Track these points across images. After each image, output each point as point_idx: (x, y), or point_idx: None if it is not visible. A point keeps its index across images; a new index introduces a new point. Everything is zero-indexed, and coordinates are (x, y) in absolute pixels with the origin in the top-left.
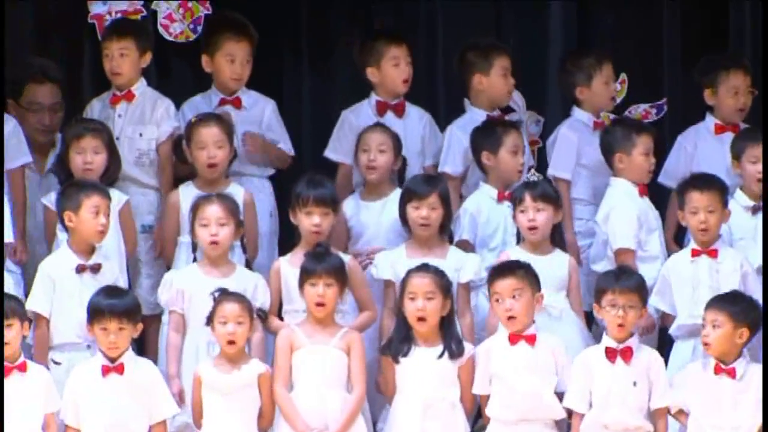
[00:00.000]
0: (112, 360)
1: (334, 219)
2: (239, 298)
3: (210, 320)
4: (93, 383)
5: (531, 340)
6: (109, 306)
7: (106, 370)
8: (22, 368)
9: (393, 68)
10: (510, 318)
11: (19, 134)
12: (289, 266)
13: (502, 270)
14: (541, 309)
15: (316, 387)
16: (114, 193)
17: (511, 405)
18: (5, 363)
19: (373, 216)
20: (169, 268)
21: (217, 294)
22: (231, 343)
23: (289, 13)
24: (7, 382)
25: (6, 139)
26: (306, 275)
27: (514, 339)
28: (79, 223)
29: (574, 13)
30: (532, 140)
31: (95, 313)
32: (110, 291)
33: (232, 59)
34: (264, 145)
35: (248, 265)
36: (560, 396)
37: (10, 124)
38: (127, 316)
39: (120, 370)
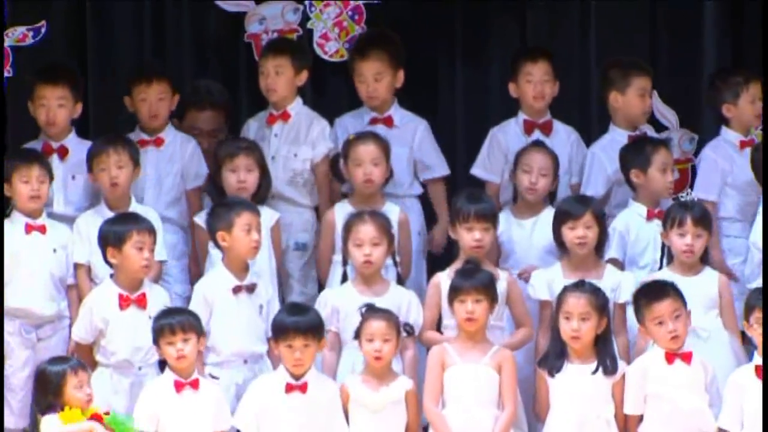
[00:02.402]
0: (297, 377)
1: (494, 234)
2: (387, 315)
3: (357, 335)
4: (275, 399)
5: (687, 358)
6: (294, 323)
7: (289, 388)
8: (195, 385)
9: (527, 84)
10: (674, 338)
11: (200, 155)
12: (449, 281)
13: (658, 292)
14: (690, 329)
15: (467, 405)
16: (265, 210)
17: (672, 424)
18: (179, 378)
19: (525, 234)
20: (322, 286)
21: (364, 310)
22: (377, 359)
23: (444, 24)
24: (179, 398)
25: (188, 159)
26: (455, 292)
27: (671, 358)
28: (233, 241)
29: (728, 29)
30: (686, 158)
31: (280, 330)
32: (294, 308)
33: (360, 79)
34: None
35: (400, 281)
36: None
37: (191, 144)
38: (312, 332)
39: (303, 388)
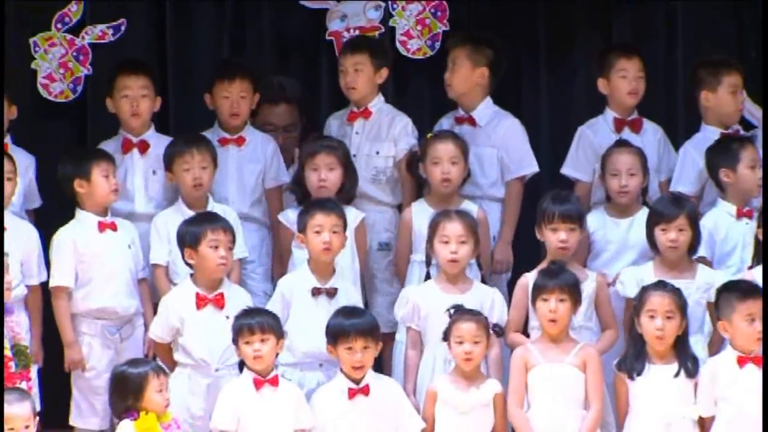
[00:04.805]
0: (356, 381)
1: (581, 235)
2: (476, 316)
3: (446, 336)
4: (340, 405)
5: (759, 361)
6: (353, 325)
7: (352, 393)
8: (274, 383)
9: (620, 80)
10: (759, 339)
11: (280, 155)
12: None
13: (753, 290)
14: None
15: (552, 406)
16: (350, 211)
17: (741, 428)
18: (258, 377)
19: (620, 233)
20: (404, 285)
21: (452, 311)
22: (467, 360)
23: (527, 22)
24: (259, 396)
25: (269, 159)
26: (538, 291)
27: (742, 361)
28: (308, 243)
29: None
30: None
31: (339, 333)
32: (350, 311)
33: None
34: None
35: (483, 280)
36: None
37: (271, 144)
38: (371, 334)
39: (366, 391)
